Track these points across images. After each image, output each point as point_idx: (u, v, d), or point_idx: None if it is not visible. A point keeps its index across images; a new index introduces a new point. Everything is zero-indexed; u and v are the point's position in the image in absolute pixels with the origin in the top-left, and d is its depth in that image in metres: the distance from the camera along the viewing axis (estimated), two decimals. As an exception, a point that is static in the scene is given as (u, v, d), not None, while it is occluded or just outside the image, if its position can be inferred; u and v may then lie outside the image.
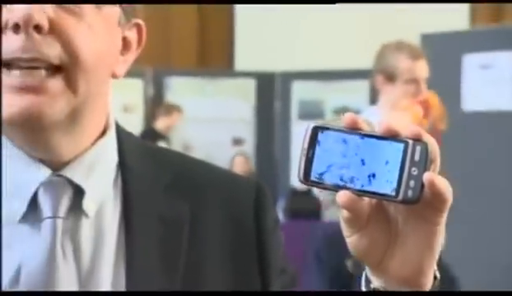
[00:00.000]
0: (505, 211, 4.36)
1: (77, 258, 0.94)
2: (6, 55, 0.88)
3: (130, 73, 1.04)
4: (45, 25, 0.88)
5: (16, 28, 0.87)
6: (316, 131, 0.83)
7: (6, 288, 0.92)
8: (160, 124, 7.04)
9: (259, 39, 9.54)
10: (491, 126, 4.39)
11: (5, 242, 0.93)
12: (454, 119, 4.33)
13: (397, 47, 3.67)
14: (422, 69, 3.61)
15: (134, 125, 6.78)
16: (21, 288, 0.91)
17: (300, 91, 7.71)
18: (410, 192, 0.80)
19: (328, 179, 0.82)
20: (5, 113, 0.90)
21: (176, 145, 6.87)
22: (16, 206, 0.94)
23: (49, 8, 0.88)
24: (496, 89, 4.49)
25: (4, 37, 0.89)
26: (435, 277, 0.88)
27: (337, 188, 0.82)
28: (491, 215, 4.34)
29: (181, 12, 9.59)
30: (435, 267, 0.88)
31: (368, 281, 0.89)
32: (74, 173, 0.95)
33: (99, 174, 0.98)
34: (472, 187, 4.10)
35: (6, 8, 0.89)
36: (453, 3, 9.03)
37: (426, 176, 0.79)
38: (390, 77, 3.59)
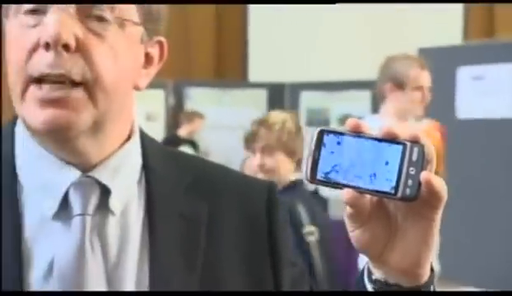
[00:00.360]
0: (497, 210, 4.36)
1: (104, 253, 0.94)
2: (37, 71, 0.89)
3: (152, 84, 1.05)
4: (73, 44, 0.88)
5: (47, 46, 0.87)
6: (322, 134, 0.84)
7: (40, 280, 0.92)
8: (183, 131, 7.07)
9: (271, 53, 9.62)
10: (484, 132, 4.41)
11: (38, 238, 0.94)
12: (450, 126, 4.34)
13: (406, 58, 3.76)
14: (427, 78, 3.69)
15: (156, 132, 6.83)
16: (54, 279, 0.92)
17: (308, 100, 7.72)
18: (408, 190, 0.80)
19: (333, 178, 0.83)
20: (34, 124, 0.91)
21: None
22: (48, 205, 0.94)
23: (77, 28, 0.88)
24: (488, 98, 4.51)
25: (36, 54, 0.89)
26: (431, 269, 0.89)
27: (341, 186, 0.82)
28: (485, 214, 4.34)
29: (199, 28, 9.66)
30: (432, 260, 0.88)
31: (370, 273, 0.89)
32: (101, 175, 0.96)
33: (124, 176, 0.98)
34: (467, 187, 4.10)
35: (39, 28, 0.89)
36: (448, 3, 9.04)
37: (423, 175, 0.80)
38: (400, 84, 3.65)
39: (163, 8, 1.00)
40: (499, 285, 3.96)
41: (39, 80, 0.89)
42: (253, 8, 10.02)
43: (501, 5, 10.29)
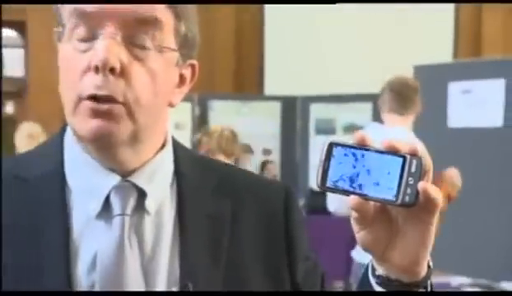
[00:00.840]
0: (482, 208, 4.34)
1: (141, 248, 0.94)
2: (87, 91, 0.89)
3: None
4: (118, 68, 0.88)
5: (97, 69, 0.88)
6: (331, 146, 0.83)
7: (85, 272, 0.92)
8: None
9: (284, 69, 9.65)
10: (471, 139, 4.39)
11: (84, 235, 0.94)
12: (442, 134, 4.34)
13: (402, 79, 3.73)
14: (418, 99, 3.66)
15: (184, 139, 6.80)
16: (97, 272, 0.92)
17: (317, 111, 7.72)
18: (407, 198, 0.80)
19: (341, 186, 0.83)
20: (83, 132, 0.92)
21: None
22: (92, 206, 0.95)
23: (122, 54, 0.89)
24: (475, 110, 4.50)
25: (87, 76, 0.90)
26: (428, 266, 0.89)
27: (347, 193, 0.82)
28: (475, 214, 4.32)
29: (221, 48, 9.67)
30: (429, 258, 0.88)
31: (373, 269, 0.89)
32: (138, 179, 0.96)
33: (158, 180, 0.98)
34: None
35: (90, 53, 0.90)
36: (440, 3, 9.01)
37: (421, 185, 0.80)
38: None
39: (197, 36, 1.00)
40: (477, 273, 3.96)
41: (89, 97, 0.90)
42: (268, 28, 10.05)
43: (488, 26, 10.27)
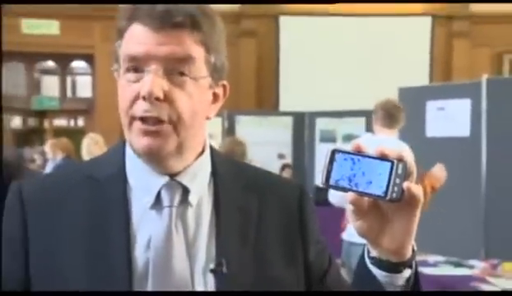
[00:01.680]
0: (455, 202, 4.31)
1: (185, 233, 0.94)
2: (138, 114, 0.90)
3: None
4: (161, 96, 0.88)
5: (144, 98, 0.88)
6: (334, 152, 0.83)
7: (141, 252, 0.92)
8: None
9: (295, 91, 9.64)
10: (445, 146, 4.36)
11: (141, 223, 0.94)
12: (421, 141, 4.32)
13: (389, 102, 3.76)
14: (402, 117, 3.73)
15: (216, 146, 6.80)
16: (151, 252, 0.91)
17: (321, 124, 7.68)
18: (394, 195, 0.79)
19: (341, 184, 0.82)
20: (137, 148, 0.92)
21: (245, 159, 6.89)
22: (147, 200, 0.94)
23: (164, 84, 0.89)
24: (448, 123, 4.48)
25: (137, 102, 0.90)
26: (413, 250, 0.87)
27: (346, 190, 0.82)
28: (447, 205, 4.30)
29: (245, 73, 9.68)
30: (413, 243, 0.87)
31: (368, 252, 0.88)
32: (183, 179, 0.95)
33: (199, 179, 0.97)
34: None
35: (139, 84, 0.90)
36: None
37: (405, 184, 0.80)
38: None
39: (225, 63, 0.98)
40: (450, 252, 3.94)
41: (140, 118, 0.90)
42: (282, 59, 10.07)
43: (457, 57, 10.20)
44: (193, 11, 0.91)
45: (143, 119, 0.90)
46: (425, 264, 3.68)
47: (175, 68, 0.90)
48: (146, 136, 0.90)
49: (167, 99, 0.89)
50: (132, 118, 0.91)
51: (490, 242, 4.16)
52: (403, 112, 3.68)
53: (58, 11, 9.58)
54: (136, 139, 0.91)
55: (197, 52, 0.92)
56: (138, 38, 0.90)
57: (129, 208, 0.95)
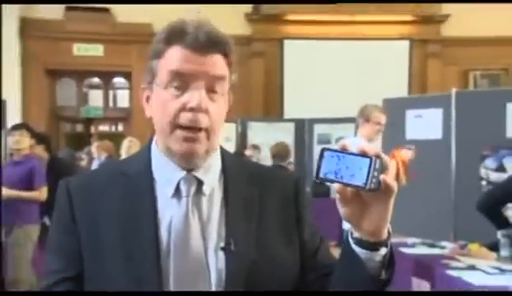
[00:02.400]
0: (430, 191, 4.29)
1: (200, 217, 0.94)
2: (184, 123, 0.91)
3: (228, 120, 1.04)
4: (203, 108, 0.90)
5: (192, 110, 0.89)
6: (323, 151, 0.81)
7: (165, 232, 0.92)
8: (248, 151, 7.03)
9: (296, 102, 9.63)
10: (422, 146, 4.34)
11: (164, 209, 0.94)
12: (402, 143, 4.30)
13: (374, 106, 3.71)
14: (384, 118, 3.65)
15: (230, 148, 6.82)
16: (172, 232, 0.91)
17: (318, 129, 7.70)
18: (373, 185, 0.78)
19: (329, 177, 0.80)
20: (176, 150, 0.93)
21: (254, 158, 6.89)
22: (169, 190, 0.94)
23: (205, 99, 0.90)
24: (424, 128, 4.45)
25: (183, 112, 0.91)
26: (388, 232, 0.86)
27: (333, 182, 0.80)
28: (423, 193, 4.29)
29: (255, 89, 9.68)
30: (389, 226, 0.86)
31: (352, 233, 0.86)
32: (198, 173, 0.95)
33: (211, 174, 0.97)
34: (410, 184, 4.06)
35: (183, 98, 0.91)
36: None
37: (382, 177, 0.79)
38: (367, 119, 3.61)
39: (236, 80, 0.99)
40: (425, 235, 3.91)
41: (182, 126, 0.91)
42: (286, 75, 10.08)
43: (431, 72, 10.18)
44: (226, 39, 0.93)
45: (187, 128, 0.90)
46: (405, 245, 3.65)
47: (212, 86, 0.91)
48: (186, 142, 0.91)
49: (206, 111, 0.90)
50: (175, 126, 0.91)
51: (458, 226, 4.13)
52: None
53: (102, 38, 9.68)
54: (177, 144, 0.92)
55: (227, 72, 0.94)
56: (183, 59, 0.91)
57: (155, 197, 0.94)
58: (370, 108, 3.68)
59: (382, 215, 0.83)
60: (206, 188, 0.95)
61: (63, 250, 0.94)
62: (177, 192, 0.94)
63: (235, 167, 1.01)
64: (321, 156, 0.81)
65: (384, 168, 0.79)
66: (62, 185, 0.98)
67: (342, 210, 0.84)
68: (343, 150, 0.81)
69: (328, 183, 0.81)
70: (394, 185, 0.80)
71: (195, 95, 0.89)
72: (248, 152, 6.81)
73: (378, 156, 0.79)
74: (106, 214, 0.94)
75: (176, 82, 0.91)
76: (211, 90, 0.91)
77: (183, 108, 0.90)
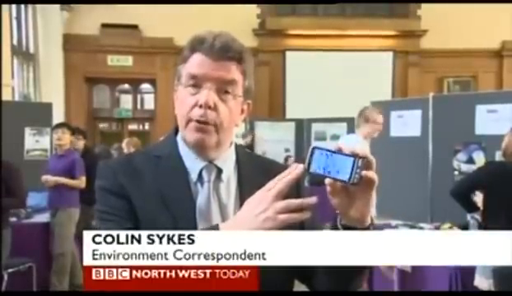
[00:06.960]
0: (410, 180, 4.28)
1: (219, 199, 0.93)
2: (195, 117, 0.91)
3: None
4: (212, 106, 0.90)
5: (201, 106, 0.89)
6: (314, 149, 0.81)
7: (197, 212, 0.90)
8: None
9: (296, 103, 9.59)
10: (403, 142, 4.34)
11: (189, 192, 0.92)
12: (387, 140, 4.28)
13: (373, 108, 3.70)
14: (381, 119, 3.60)
15: (239, 142, 6.80)
16: (197, 211, 0.90)
17: (316, 127, 7.62)
18: (355, 180, 0.78)
19: (319, 171, 0.80)
20: (189, 140, 0.93)
21: (259, 152, 6.88)
22: (193, 176, 0.94)
23: (215, 98, 0.90)
24: (405, 126, 4.45)
25: (194, 108, 0.91)
26: (371, 219, 0.85)
27: (323, 176, 0.80)
28: (404, 181, 4.27)
29: (261, 92, 9.65)
30: (371, 214, 0.85)
31: (340, 220, 0.85)
32: (218, 162, 0.95)
33: (228, 163, 0.97)
34: (392, 168, 4.04)
35: (197, 96, 0.90)
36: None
37: (363, 172, 0.78)
38: (367, 120, 3.55)
39: (253, 86, 0.98)
40: (406, 218, 3.89)
41: (195, 120, 0.91)
42: (288, 81, 10.05)
43: (411, 78, 10.13)
44: (240, 49, 0.92)
45: (197, 121, 0.90)
46: (389, 226, 3.64)
47: (223, 87, 0.91)
48: (197, 132, 0.91)
49: (215, 108, 0.90)
50: (189, 120, 0.91)
51: (434, 210, 4.13)
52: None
53: (131, 50, 9.74)
54: (190, 134, 0.91)
55: (238, 76, 0.93)
56: (200, 63, 0.91)
57: (189, 181, 0.93)
58: (369, 110, 3.61)
59: (364, 205, 0.82)
60: (224, 176, 0.95)
61: (117, 210, 0.89)
62: (200, 179, 0.94)
63: (248, 160, 1.01)
64: (311, 154, 0.80)
65: (366, 166, 0.79)
66: (102, 165, 0.95)
67: (332, 200, 0.83)
68: (331, 150, 0.80)
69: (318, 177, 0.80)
70: (375, 178, 0.79)
71: (205, 94, 0.90)
72: (244, 139, 6.85)
73: (364, 157, 0.78)
74: (146, 186, 0.91)
75: (192, 83, 0.91)
76: (222, 92, 0.91)
77: (195, 105, 0.90)
